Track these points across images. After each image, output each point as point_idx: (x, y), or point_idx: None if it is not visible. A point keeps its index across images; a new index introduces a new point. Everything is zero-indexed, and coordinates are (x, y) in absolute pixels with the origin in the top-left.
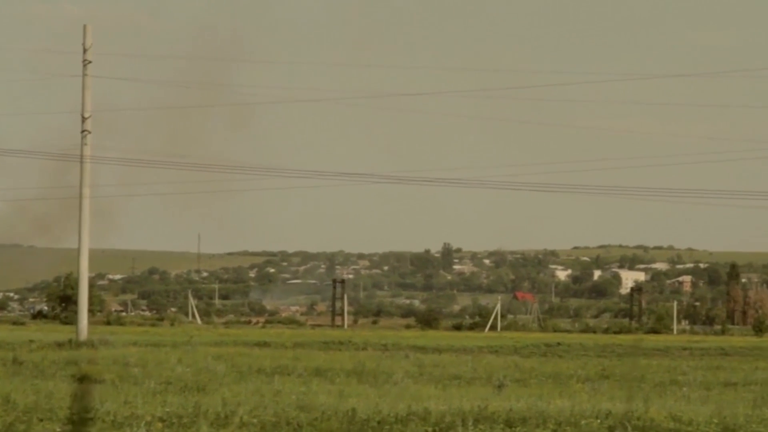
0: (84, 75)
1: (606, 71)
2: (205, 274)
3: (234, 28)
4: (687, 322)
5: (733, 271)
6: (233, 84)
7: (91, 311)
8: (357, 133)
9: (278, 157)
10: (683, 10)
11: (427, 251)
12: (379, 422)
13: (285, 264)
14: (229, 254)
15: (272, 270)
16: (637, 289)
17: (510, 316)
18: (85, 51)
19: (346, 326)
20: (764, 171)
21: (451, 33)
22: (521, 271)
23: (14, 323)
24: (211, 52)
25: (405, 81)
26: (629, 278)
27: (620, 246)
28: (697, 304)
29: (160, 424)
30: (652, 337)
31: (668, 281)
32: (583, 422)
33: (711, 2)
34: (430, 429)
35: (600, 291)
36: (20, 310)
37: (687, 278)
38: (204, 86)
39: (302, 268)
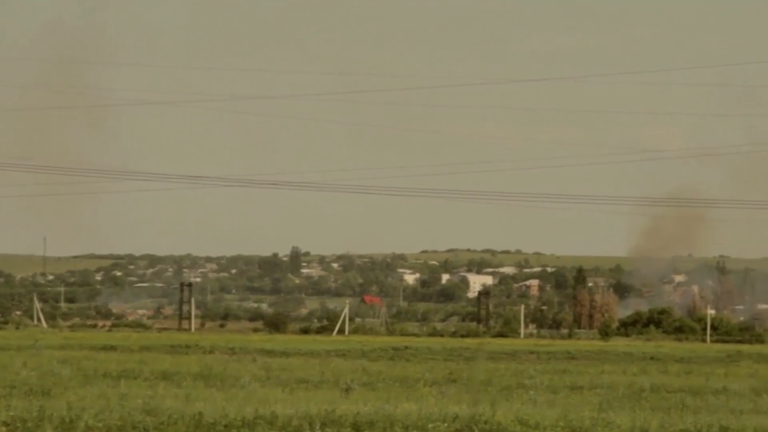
0: None
1: (460, 75)
2: (50, 278)
3: (91, 29)
4: (534, 325)
5: (580, 276)
6: (89, 86)
7: None
8: (210, 136)
9: (132, 159)
10: (537, 14)
11: (275, 255)
12: (225, 426)
13: (132, 267)
14: (75, 257)
15: (119, 273)
16: (485, 292)
17: (358, 320)
18: None
19: (193, 330)
20: (612, 176)
21: (311, 36)
22: (369, 275)
23: None
24: (68, 54)
25: (263, 84)
26: (477, 282)
27: (468, 250)
28: (544, 308)
29: (4, 429)
30: (499, 341)
31: (515, 285)
32: (430, 425)
33: (563, 7)
34: None
35: (448, 295)
36: None
37: (534, 282)
38: (59, 88)
39: (149, 271)
